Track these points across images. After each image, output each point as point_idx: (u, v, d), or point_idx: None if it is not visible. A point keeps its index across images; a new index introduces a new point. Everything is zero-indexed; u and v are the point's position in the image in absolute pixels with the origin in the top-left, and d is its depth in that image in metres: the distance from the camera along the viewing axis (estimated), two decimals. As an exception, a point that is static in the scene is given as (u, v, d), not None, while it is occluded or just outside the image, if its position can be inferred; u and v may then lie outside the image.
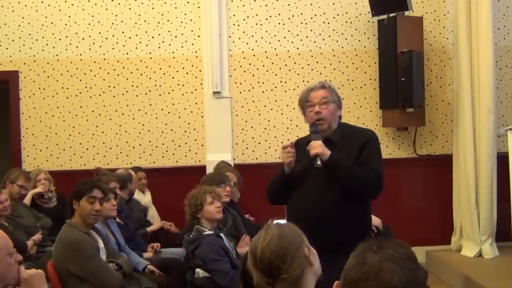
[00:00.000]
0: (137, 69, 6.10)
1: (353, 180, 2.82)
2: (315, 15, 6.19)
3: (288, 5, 6.17)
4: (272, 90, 6.18)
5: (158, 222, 5.34)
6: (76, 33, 6.05)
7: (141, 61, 6.10)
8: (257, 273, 1.75)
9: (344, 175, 2.82)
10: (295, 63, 6.19)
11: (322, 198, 2.83)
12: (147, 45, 6.10)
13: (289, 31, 6.18)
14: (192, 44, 6.12)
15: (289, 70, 6.19)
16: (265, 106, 6.18)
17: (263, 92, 6.17)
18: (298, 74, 6.19)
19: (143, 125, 6.11)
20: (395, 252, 1.33)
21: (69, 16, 6.04)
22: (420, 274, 1.33)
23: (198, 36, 6.11)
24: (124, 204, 4.88)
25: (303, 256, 1.75)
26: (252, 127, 6.16)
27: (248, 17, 6.16)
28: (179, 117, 6.13)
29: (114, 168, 5.52)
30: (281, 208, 5.27)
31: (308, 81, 6.16)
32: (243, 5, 6.14)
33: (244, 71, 6.16)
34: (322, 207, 2.82)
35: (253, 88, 6.17)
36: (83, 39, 6.06)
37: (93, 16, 6.06)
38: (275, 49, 6.18)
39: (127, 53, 6.09)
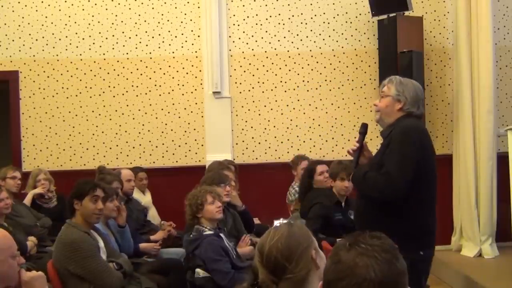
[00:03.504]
0: (137, 69, 6.10)
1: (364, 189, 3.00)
2: (315, 15, 6.19)
3: (288, 5, 6.17)
4: (272, 90, 6.17)
5: (160, 232, 5.15)
6: (76, 33, 6.05)
7: (141, 61, 6.11)
8: (263, 270, 1.75)
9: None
10: (295, 63, 6.19)
11: None
12: (147, 45, 6.10)
13: (289, 31, 6.18)
14: (192, 44, 6.12)
15: (289, 70, 6.19)
16: (265, 106, 6.17)
17: (263, 92, 6.17)
18: (298, 74, 6.19)
19: (143, 125, 6.11)
20: (368, 245, 1.30)
21: (69, 16, 6.05)
22: (399, 263, 1.29)
23: (198, 36, 6.11)
24: (123, 204, 4.86)
25: (310, 258, 1.74)
26: (252, 127, 6.16)
27: (248, 17, 6.16)
28: (179, 117, 6.13)
29: (114, 168, 5.51)
30: (282, 207, 5.30)
31: (308, 81, 6.17)
32: (243, 5, 6.15)
33: (244, 71, 6.16)
34: None
35: (253, 88, 6.17)
36: (83, 39, 6.06)
37: (93, 16, 6.06)
38: (275, 49, 6.18)
39: (127, 53, 6.09)
